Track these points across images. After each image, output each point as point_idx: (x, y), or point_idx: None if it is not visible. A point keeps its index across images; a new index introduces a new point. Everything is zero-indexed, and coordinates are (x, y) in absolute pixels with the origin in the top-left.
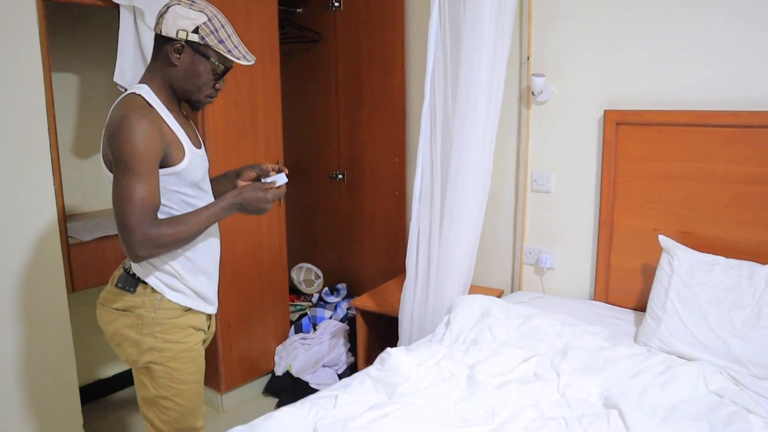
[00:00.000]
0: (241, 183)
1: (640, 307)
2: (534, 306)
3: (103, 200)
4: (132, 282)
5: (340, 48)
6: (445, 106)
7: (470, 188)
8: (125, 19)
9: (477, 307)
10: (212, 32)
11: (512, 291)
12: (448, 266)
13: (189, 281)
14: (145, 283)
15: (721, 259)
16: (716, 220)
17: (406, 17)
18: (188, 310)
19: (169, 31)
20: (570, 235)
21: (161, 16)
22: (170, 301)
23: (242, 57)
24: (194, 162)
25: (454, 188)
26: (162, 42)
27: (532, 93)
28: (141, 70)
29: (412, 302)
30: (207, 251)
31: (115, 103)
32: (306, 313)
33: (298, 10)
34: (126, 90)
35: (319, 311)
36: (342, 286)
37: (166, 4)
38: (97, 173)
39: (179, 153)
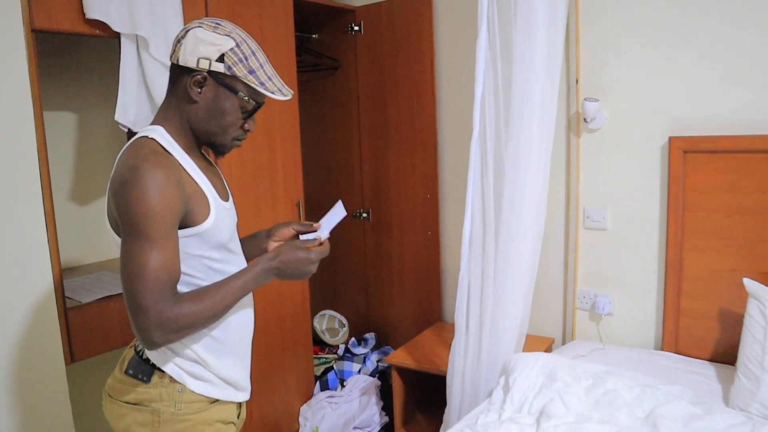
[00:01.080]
0: (273, 244)
1: (718, 358)
2: (596, 359)
3: (105, 251)
4: (146, 369)
5: (361, 75)
6: (497, 136)
7: (525, 228)
8: (127, 51)
9: (539, 368)
10: (241, 60)
11: (564, 340)
12: (503, 319)
13: (216, 367)
14: (162, 370)
15: None
16: None
17: (436, 41)
18: (215, 401)
19: (188, 59)
20: (630, 277)
21: (179, 41)
22: (193, 392)
23: (277, 91)
24: (221, 219)
25: (508, 230)
26: (180, 73)
27: (584, 120)
28: (146, 108)
29: (463, 363)
30: (238, 327)
31: (123, 150)
32: (332, 367)
33: (314, 35)
34: (129, 130)
35: (346, 365)
36: (370, 336)
37: (185, 28)
38: (99, 221)
39: (203, 209)
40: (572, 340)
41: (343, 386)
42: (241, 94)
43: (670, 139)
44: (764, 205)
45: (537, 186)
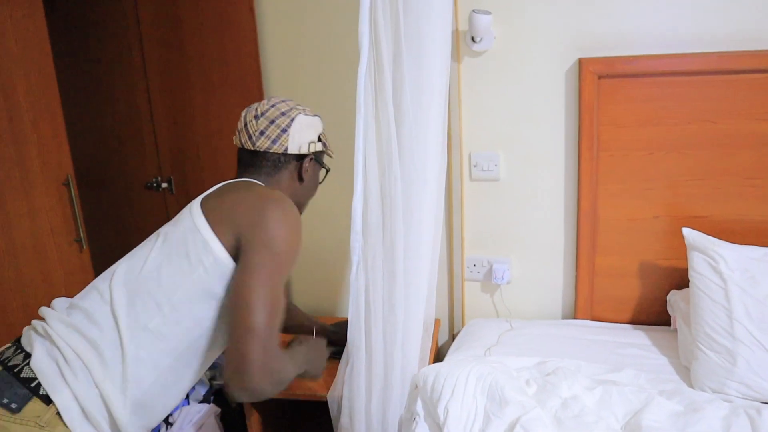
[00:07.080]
0: None
1: (638, 320)
2: (510, 344)
3: None
4: (19, 393)
5: (141, 3)
6: (396, 64)
7: (429, 192)
8: None
9: (473, 386)
10: (325, 136)
11: (452, 318)
12: (413, 320)
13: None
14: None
15: None
16: (737, 197)
17: None
18: None
19: (301, 146)
20: (532, 236)
21: (284, 131)
22: None
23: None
24: None
25: (416, 200)
26: (288, 160)
27: (472, 39)
28: None
29: (366, 396)
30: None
31: (245, 186)
32: None
33: None
34: None
35: None
36: None
37: (286, 113)
38: None
39: None
40: (462, 317)
41: (169, 425)
42: (325, 165)
43: (580, 61)
44: (692, 137)
45: (437, 140)
